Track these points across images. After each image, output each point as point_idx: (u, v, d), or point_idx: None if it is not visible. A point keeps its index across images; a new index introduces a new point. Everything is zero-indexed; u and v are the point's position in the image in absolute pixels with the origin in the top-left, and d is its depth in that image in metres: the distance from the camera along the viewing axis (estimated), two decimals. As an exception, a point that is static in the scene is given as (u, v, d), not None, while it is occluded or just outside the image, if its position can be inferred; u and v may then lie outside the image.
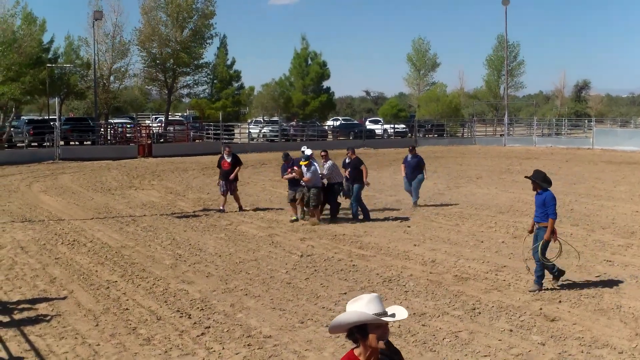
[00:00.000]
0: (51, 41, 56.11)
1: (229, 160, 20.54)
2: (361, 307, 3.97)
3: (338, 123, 66.05)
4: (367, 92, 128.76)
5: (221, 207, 20.41)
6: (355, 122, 70.46)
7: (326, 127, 62.80)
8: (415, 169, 20.93)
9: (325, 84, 71.05)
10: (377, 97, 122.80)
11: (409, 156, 21.20)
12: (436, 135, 60.79)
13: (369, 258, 14.15)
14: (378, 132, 61.16)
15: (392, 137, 59.38)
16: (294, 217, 18.68)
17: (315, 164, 18.35)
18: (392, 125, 62.34)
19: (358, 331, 3.97)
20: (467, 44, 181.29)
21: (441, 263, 13.57)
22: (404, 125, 62.93)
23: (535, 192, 11.79)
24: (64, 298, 11.37)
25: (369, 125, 63.62)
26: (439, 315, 10.16)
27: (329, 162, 18.79)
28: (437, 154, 46.11)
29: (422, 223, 18.21)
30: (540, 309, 10.43)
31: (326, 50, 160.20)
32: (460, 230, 17.13)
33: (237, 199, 20.81)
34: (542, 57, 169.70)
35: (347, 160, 19.53)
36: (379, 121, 66.66)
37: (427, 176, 21.57)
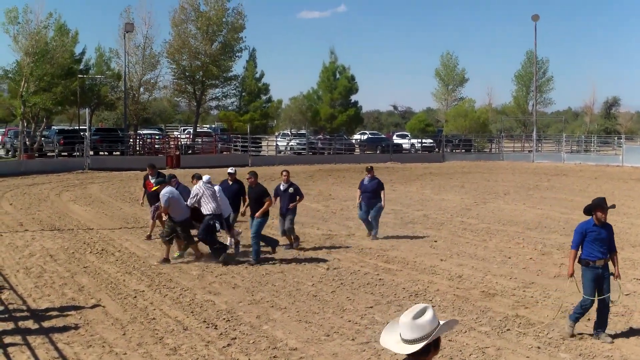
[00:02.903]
0: (83, 52, 56.82)
1: (153, 181, 17.07)
2: (436, 317, 3.79)
3: (365, 137, 66.09)
4: (395, 107, 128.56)
5: (149, 234, 17.87)
6: (383, 136, 70.42)
7: (353, 141, 62.84)
8: (373, 194, 17.83)
9: (353, 97, 71.06)
10: (405, 111, 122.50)
11: (366, 179, 18.06)
12: (464, 151, 60.55)
13: (395, 272, 14.11)
14: (405, 146, 61.06)
15: (420, 152, 59.28)
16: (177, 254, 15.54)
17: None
18: (419, 140, 62.24)
19: (435, 343, 3.78)
20: (495, 59, 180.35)
21: (468, 278, 13.49)
22: (431, 140, 62.74)
23: (597, 222, 9.92)
24: (92, 307, 11.46)
25: (397, 140, 63.53)
26: (466, 331, 10.10)
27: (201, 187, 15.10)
28: (465, 169, 45.96)
29: (449, 238, 18.13)
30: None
31: (354, 64, 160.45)
32: (488, 246, 17.03)
33: (152, 226, 17.98)
34: (572, 74, 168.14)
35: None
36: (407, 135, 66.54)
37: (383, 204, 17.95)
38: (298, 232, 18.87)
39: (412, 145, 61.61)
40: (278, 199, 16.35)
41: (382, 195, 17.80)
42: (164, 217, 15.45)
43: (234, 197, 16.34)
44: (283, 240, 16.76)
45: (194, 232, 15.40)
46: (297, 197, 16.35)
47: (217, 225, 14.93)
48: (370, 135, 67.86)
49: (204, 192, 14.88)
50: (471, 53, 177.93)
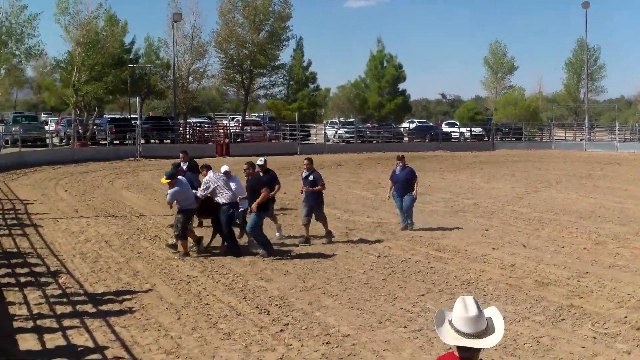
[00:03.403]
0: (132, 42, 57.58)
1: (185, 167, 17.47)
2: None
3: (414, 125, 65.77)
4: (443, 95, 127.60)
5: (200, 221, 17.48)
6: (431, 124, 69.98)
7: (402, 129, 62.59)
8: (405, 184, 17.29)
9: (401, 86, 70.73)
10: (453, 99, 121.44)
11: (397, 168, 17.55)
12: (514, 139, 59.83)
13: (446, 260, 14.05)
14: (454, 134, 60.64)
15: (469, 140, 58.80)
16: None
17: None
18: (468, 128, 61.71)
19: None
20: (545, 47, 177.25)
21: (521, 267, 13.35)
22: (480, 129, 62.17)
23: None
24: (147, 291, 11.65)
25: (445, 128, 63.14)
26: (520, 320, 10.01)
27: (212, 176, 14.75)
28: (515, 157, 45.47)
29: (500, 227, 17.96)
30: (625, 316, 10.15)
31: (402, 53, 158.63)
32: (540, 235, 16.83)
33: None
34: (625, 62, 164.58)
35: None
36: (455, 124, 66.05)
37: (417, 194, 17.49)
38: (347, 220, 18.94)
39: (461, 133, 61.16)
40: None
41: (415, 185, 17.22)
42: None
43: (266, 187, 15.75)
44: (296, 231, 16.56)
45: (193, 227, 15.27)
46: (318, 185, 15.85)
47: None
48: (418, 124, 67.51)
49: (216, 182, 14.51)
50: (520, 41, 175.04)
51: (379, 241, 16.01)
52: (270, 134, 54.95)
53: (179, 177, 14.62)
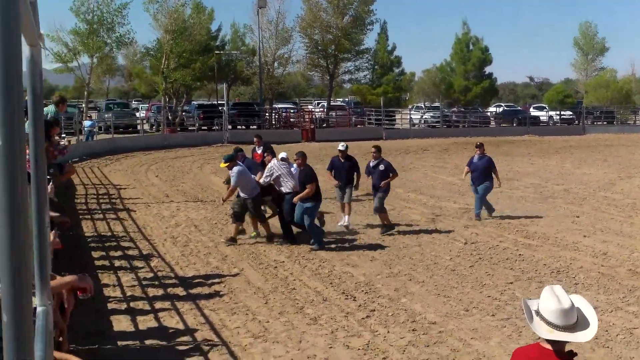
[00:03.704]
0: (219, 29, 58.41)
1: (259, 152, 17.58)
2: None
3: (501, 109, 64.62)
4: (531, 78, 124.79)
5: None
6: (519, 108, 68.57)
7: (488, 114, 61.60)
8: (483, 174, 16.80)
9: (488, 69, 69.61)
10: (542, 82, 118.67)
11: (476, 156, 17.09)
12: (605, 123, 58.05)
13: (535, 248, 13.78)
14: (543, 119, 59.29)
15: (558, 125, 57.38)
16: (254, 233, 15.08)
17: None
18: (557, 112, 60.21)
19: None
20: (638, 27, 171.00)
21: (613, 256, 12.98)
22: (570, 112, 60.57)
23: None
24: (235, 275, 11.85)
25: (533, 112, 61.77)
26: (612, 310, 9.74)
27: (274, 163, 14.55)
28: (607, 142, 44.13)
29: (592, 214, 17.50)
30: None
31: (488, 35, 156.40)
32: (634, 223, 16.31)
33: None
34: None
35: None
36: (544, 108, 64.57)
37: (499, 184, 17.23)
38: (433, 206, 18.77)
39: (550, 117, 59.72)
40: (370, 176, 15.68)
41: (494, 174, 16.71)
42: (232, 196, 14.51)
43: (347, 173, 15.75)
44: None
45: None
46: (390, 174, 15.35)
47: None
48: (505, 108, 66.27)
49: (280, 170, 14.25)
50: (612, 21, 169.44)
51: (465, 227, 15.83)
52: (356, 119, 54.93)
53: (238, 162, 14.45)
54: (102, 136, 40.90)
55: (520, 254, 13.19)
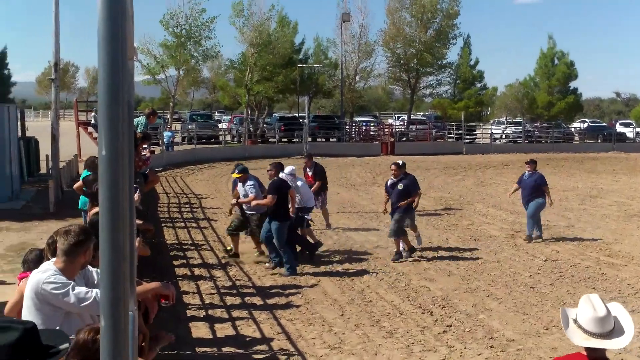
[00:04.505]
0: (302, 43, 58.87)
1: (310, 173, 17.26)
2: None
3: (585, 125, 63.14)
4: (618, 94, 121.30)
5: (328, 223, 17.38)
6: (604, 124, 66.86)
7: (572, 130, 60.28)
8: (532, 190, 15.92)
9: (572, 84, 67.99)
10: (629, 98, 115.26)
11: (526, 173, 16.27)
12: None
13: (619, 267, 13.41)
14: (629, 135, 57.60)
15: (646, 141, 55.67)
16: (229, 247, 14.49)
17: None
18: (646, 129, 58.47)
19: None
20: None
21: (702, 278, 12.52)
22: (660, 129, 58.74)
23: None
24: (312, 286, 11.93)
25: (619, 128, 60.07)
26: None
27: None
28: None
29: (680, 234, 16.92)
30: None
31: (574, 50, 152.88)
32: None
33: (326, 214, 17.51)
34: None
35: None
36: (631, 124, 62.74)
37: (550, 202, 16.14)
38: (513, 222, 18.44)
39: (638, 134, 57.98)
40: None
41: (546, 191, 15.81)
42: (236, 207, 13.98)
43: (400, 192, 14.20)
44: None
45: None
46: (410, 194, 14.09)
47: (308, 217, 14.25)
48: (590, 124, 64.72)
49: (289, 184, 13.64)
50: None
51: (546, 245, 15.52)
52: (436, 133, 54.56)
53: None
54: (185, 146, 41.75)
55: (602, 273, 12.87)
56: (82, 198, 12.23)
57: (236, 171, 13.66)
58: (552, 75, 66.50)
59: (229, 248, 14.32)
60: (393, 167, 14.45)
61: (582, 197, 23.55)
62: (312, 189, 15.93)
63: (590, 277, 12.62)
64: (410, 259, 13.95)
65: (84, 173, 12.80)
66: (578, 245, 15.53)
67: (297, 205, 13.87)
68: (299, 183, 14.44)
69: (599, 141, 53.94)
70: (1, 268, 12.31)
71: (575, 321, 3.81)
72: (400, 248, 14.06)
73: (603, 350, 3.78)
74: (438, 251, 14.85)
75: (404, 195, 13.92)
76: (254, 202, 13.07)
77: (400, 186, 13.99)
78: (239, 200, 13.42)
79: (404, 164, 14.92)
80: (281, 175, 13.77)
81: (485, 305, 10.85)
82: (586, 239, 16.17)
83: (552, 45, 67.82)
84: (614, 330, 3.75)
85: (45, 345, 3.14)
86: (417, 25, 55.00)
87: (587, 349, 3.79)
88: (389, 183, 14.52)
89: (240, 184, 13.62)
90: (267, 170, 13.46)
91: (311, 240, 14.37)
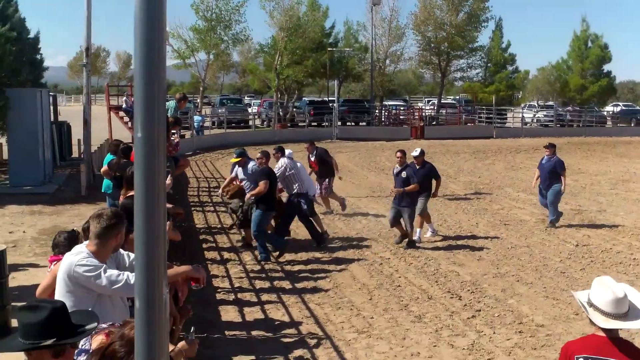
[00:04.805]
0: (332, 27, 58.72)
1: (313, 159, 17.53)
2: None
3: (618, 109, 62.34)
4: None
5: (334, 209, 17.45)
6: (638, 108, 65.96)
7: (605, 113, 59.53)
8: (550, 176, 15.52)
9: (606, 67, 67.08)
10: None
11: (545, 157, 15.88)
12: None
13: (652, 253, 13.28)
14: (663, 119, 56.82)
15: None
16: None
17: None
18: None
19: None
20: None
21: None
22: (695, 112, 57.82)
23: None
24: (341, 271, 11.95)
25: (654, 112, 59.29)
26: None
27: (283, 161, 13.89)
28: None
29: None
30: None
31: (608, 32, 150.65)
32: None
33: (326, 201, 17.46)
34: None
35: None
36: (665, 107, 61.89)
37: (563, 188, 15.49)
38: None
39: (672, 118, 57.18)
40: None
41: (562, 178, 15.33)
42: (226, 192, 13.80)
43: (423, 179, 14.03)
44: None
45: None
46: (410, 184, 13.37)
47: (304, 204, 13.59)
48: (623, 107, 63.88)
49: (292, 169, 13.53)
50: None
51: (577, 230, 15.39)
52: (466, 117, 54.18)
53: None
54: (215, 131, 41.89)
55: (634, 258, 12.74)
56: (106, 181, 12.39)
57: (235, 155, 13.52)
58: (586, 58, 65.66)
59: (243, 235, 13.91)
60: (398, 154, 13.89)
61: (614, 182, 23.30)
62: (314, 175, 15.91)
63: (622, 262, 12.51)
64: (400, 245, 13.74)
65: (107, 157, 12.94)
66: (610, 230, 15.39)
67: (296, 191, 13.60)
68: (298, 164, 14.13)
69: (632, 125, 53.27)
70: (34, 251, 12.51)
71: (591, 304, 3.87)
72: (416, 235, 13.96)
73: (617, 331, 3.86)
74: (467, 236, 14.78)
75: (406, 185, 13.36)
76: (248, 195, 12.71)
77: (403, 174, 13.50)
78: (251, 193, 12.58)
79: (422, 151, 14.70)
80: (282, 159, 13.75)
81: (514, 290, 10.80)
82: (618, 224, 16.01)
83: (585, 27, 66.90)
84: (629, 311, 3.84)
85: (75, 325, 3.20)
86: (448, 8, 54.62)
87: (604, 330, 3.85)
88: (394, 171, 14.02)
89: (240, 169, 13.50)
90: (257, 158, 13.01)
91: (318, 229, 14.07)
